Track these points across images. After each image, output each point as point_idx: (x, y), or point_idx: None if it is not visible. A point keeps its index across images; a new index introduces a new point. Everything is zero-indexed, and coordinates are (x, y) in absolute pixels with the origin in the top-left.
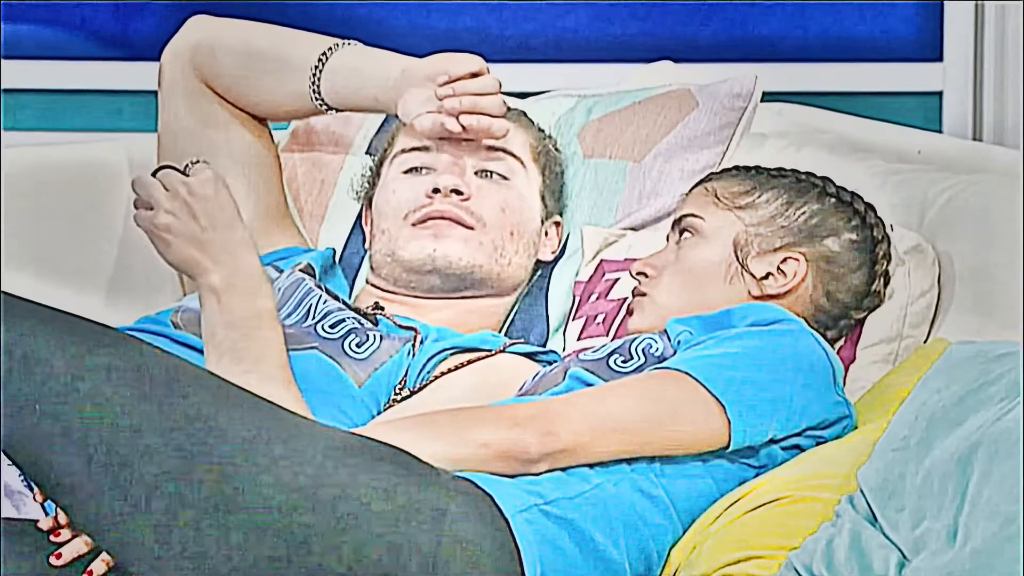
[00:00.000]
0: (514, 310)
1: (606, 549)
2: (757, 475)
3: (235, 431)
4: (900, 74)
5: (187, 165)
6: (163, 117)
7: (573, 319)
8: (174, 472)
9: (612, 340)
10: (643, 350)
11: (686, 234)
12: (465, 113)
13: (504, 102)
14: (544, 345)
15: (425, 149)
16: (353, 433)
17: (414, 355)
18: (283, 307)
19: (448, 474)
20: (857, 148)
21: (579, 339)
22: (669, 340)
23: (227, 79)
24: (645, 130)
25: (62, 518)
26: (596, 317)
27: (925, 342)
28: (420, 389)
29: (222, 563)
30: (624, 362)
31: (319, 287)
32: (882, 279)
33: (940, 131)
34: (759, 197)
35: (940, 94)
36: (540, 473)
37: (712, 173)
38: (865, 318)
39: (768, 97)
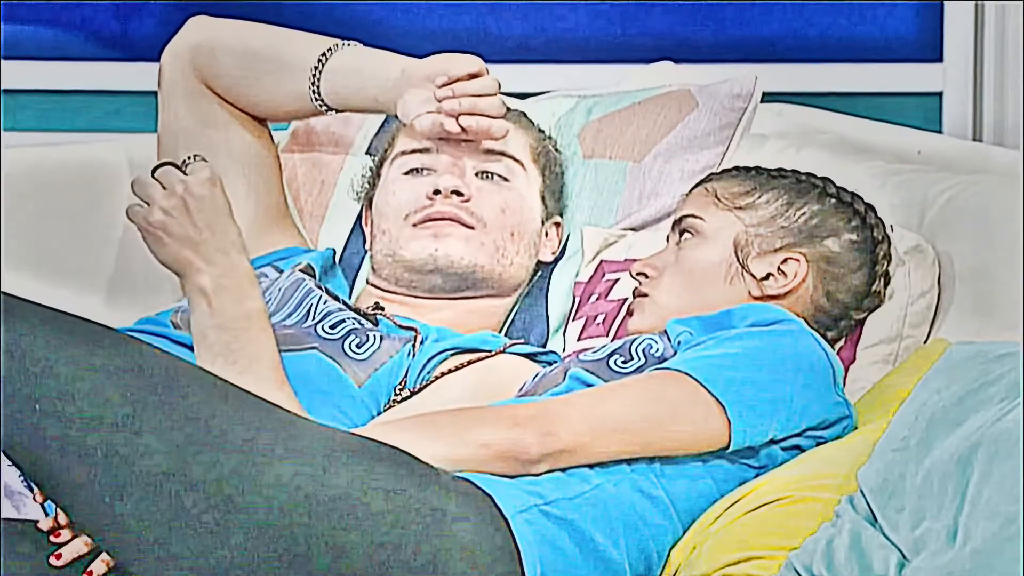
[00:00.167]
0: (514, 310)
1: (606, 549)
2: (757, 475)
3: (235, 431)
4: (900, 74)
5: (184, 162)
6: (163, 117)
7: (573, 319)
8: (174, 472)
9: (612, 340)
10: (643, 351)
11: (686, 235)
12: (464, 114)
13: (503, 103)
14: (544, 345)
15: (425, 151)
16: (353, 433)
17: (414, 355)
18: (283, 307)
19: (448, 475)
20: (857, 148)
21: (579, 339)
22: (669, 341)
23: (227, 79)
24: (645, 130)
25: (62, 518)
26: (596, 317)
27: (925, 342)
28: (420, 389)
29: (222, 563)
30: (624, 363)
31: (319, 287)
32: (882, 279)
33: (940, 131)
34: (759, 198)
35: (940, 94)
36: (540, 473)
37: (712, 173)
38: (865, 318)
39: (768, 98)
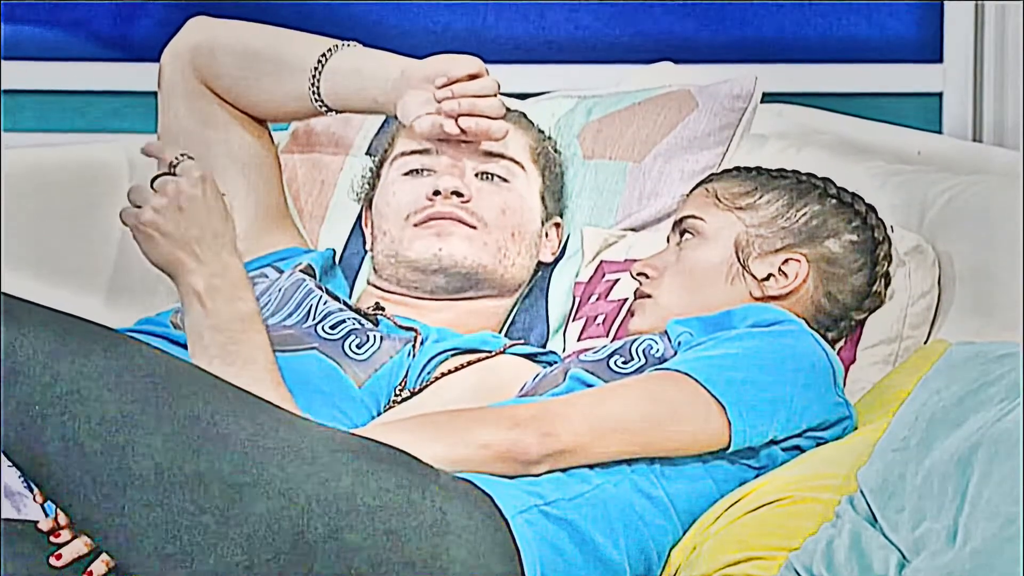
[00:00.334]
0: (514, 311)
1: (606, 550)
2: (757, 476)
3: (235, 432)
4: (900, 75)
5: (171, 164)
6: (163, 118)
7: (573, 320)
8: (174, 473)
9: (612, 341)
10: (643, 351)
11: (687, 235)
12: (464, 115)
13: (503, 104)
14: (544, 346)
15: (425, 151)
16: (353, 434)
17: (414, 356)
18: (283, 308)
19: (448, 475)
20: (857, 149)
21: (579, 340)
22: (669, 341)
23: (227, 80)
24: (645, 131)
25: (62, 519)
26: (596, 318)
27: (925, 343)
28: (420, 390)
29: (222, 564)
30: (624, 363)
31: (319, 288)
32: (883, 280)
33: (940, 132)
34: (760, 198)
35: (940, 95)
36: (540, 474)
37: (713, 174)
38: (865, 319)
39: (768, 98)
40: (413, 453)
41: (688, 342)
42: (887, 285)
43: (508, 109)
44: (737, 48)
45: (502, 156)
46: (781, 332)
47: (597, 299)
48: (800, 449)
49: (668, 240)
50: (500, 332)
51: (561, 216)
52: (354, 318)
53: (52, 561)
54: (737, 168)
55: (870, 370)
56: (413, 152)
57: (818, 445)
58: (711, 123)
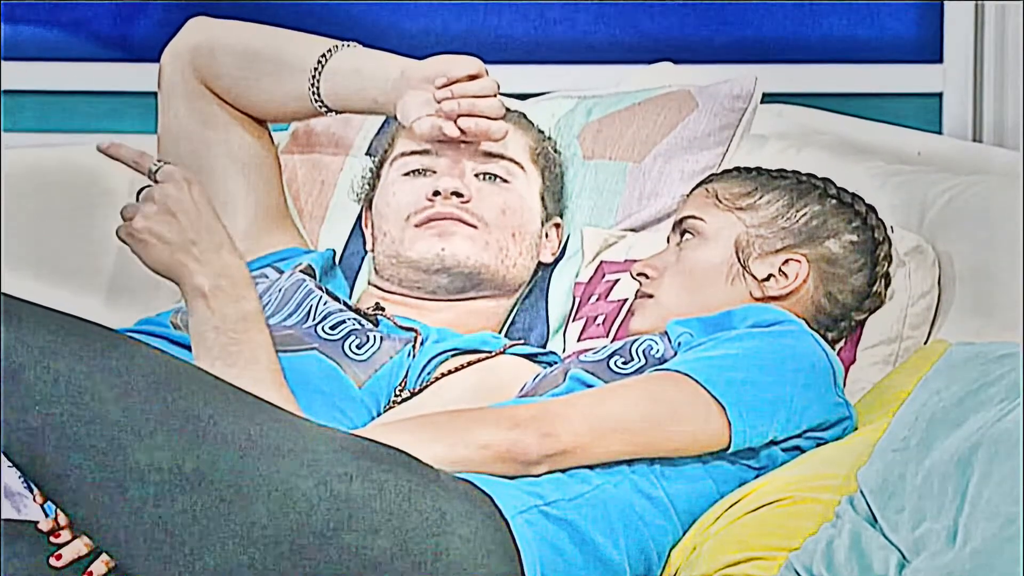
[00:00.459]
0: (514, 311)
1: (606, 550)
2: (757, 476)
3: (236, 433)
4: (900, 75)
5: (150, 172)
6: (163, 118)
7: (573, 320)
8: (174, 473)
9: (612, 341)
10: (643, 352)
11: (687, 235)
12: (463, 115)
13: (503, 104)
14: (544, 346)
15: (425, 152)
16: (353, 434)
17: (414, 356)
18: (283, 308)
19: (448, 475)
20: (857, 149)
21: (579, 340)
22: (670, 342)
23: (227, 80)
24: (645, 131)
25: (62, 519)
26: (596, 318)
27: (925, 343)
28: (420, 390)
29: (222, 564)
30: (624, 363)
31: (319, 288)
32: (883, 280)
33: (940, 132)
34: (760, 198)
35: (940, 95)
36: (540, 474)
37: (713, 174)
38: (865, 319)
39: (768, 98)
40: (413, 453)
41: (688, 343)
42: (887, 285)
43: (508, 109)
44: (737, 48)
45: (502, 156)
46: (781, 332)
47: (597, 299)
48: (800, 449)
49: (668, 240)
50: (500, 332)
51: (561, 216)
52: (354, 318)
53: (52, 561)
54: (737, 168)
55: (870, 370)
56: (413, 152)
57: (818, 445)
58: (711, 123)
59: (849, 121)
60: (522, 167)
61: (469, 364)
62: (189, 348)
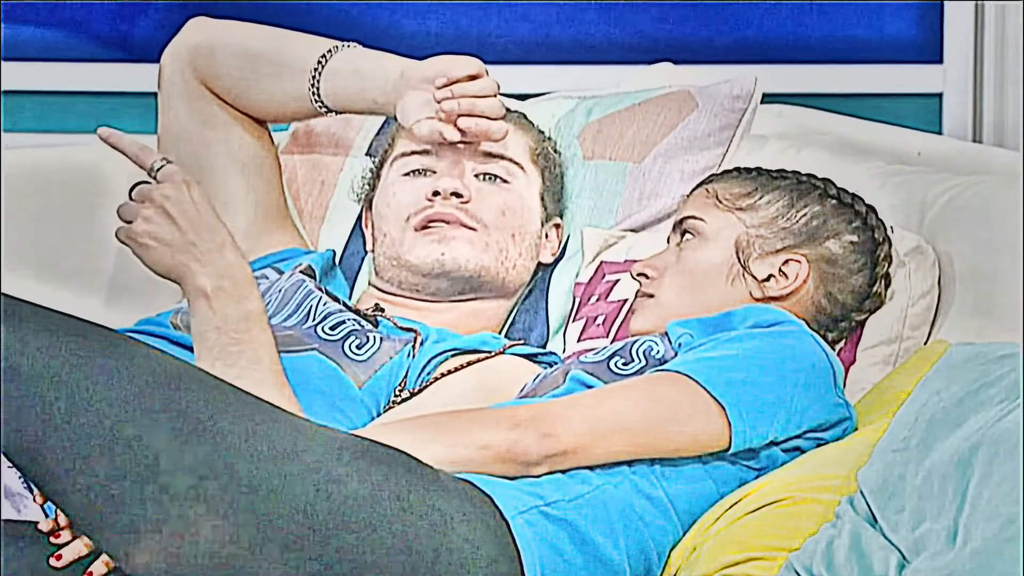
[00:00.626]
0: (514, 311)
1: (606, 550)
2: (757, 477)
3: (235, 433)
4: (900, 76)
5: (152, 170)
6: (163, 119)
7: (573, 320)
8: (174, 474)
9: (612, 342)
10: (644, 352)
11: (687, 236)
12: (463, 116)
13: (503, 104)
14: (544, 346)
15: (425, 152)
16: (353, 435)
17: (414, 356)
18: (283, 309)
19: (448, 476)
20: (857, 150)
21: (579, 340)
22: (670, 343)
23: (226, 81)
24: (645, 131)
25: (62, 520)
26: (596, 319)
27: (925, 343)
28: (420, 391)
29: (223, 564)
30: (625, 364)
31: (319, 289)
32: (883, 281)
33: (940, 133)
34: (760, 199)
35: (940, 96)
36: (540, 475)
37: (713, 175)
38: (866, 320)
39: (768, 99)
40: (413, 454)
41: (688, 343)
42: (887, 286)
43: (508, 110)
44: (737, 48)
45: (502, 157)
46: (781, 333)
47: (597, 300)
48: (800, 450)
49: (668, 241)
50: (500, 333)
51: (561, 217)
52: (354, 319)
53: (52, 562)
54: (737, 169)
55: (870, 371)
56: (413, 153)
57: (818, 446)
58: (711, 124)
59: (849, 121)
60: (522, 167)
61: (469, 364)
62: (189, 348)
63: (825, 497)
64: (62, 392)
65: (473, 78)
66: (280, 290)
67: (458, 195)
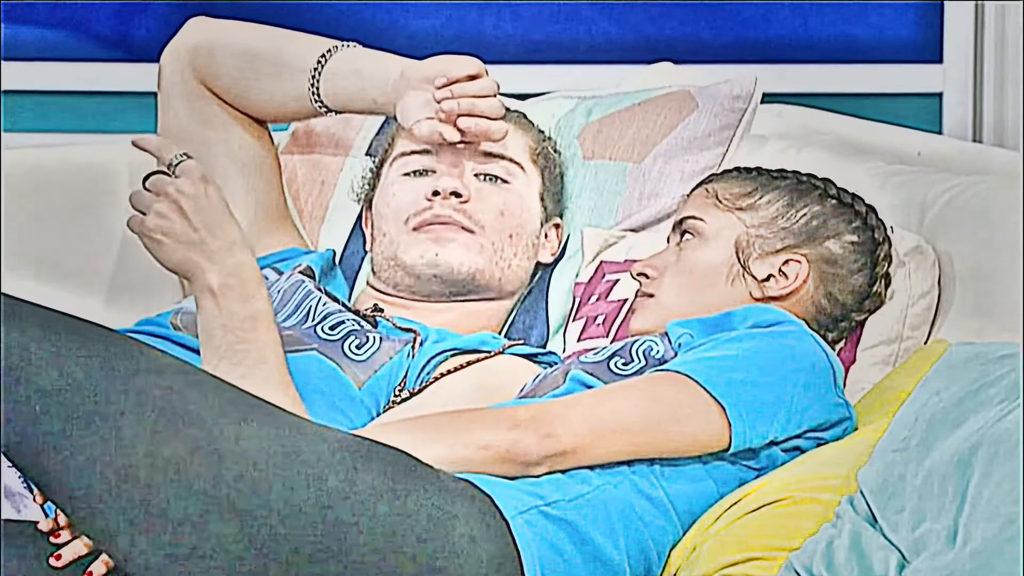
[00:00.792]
0: (514, 311)
1: (606, 550)
2: (757, 476)
3: (236, 433)
4: (900, 76)
5: (170, 164)
6: (163, 118)
7: (573, 320)
8: (174, 475)
9: (612, 342)
10: (644, 352)
11: (687, 236)
12: (463, 116)
13: (503, 104)
14: (544, 346)
15: (425, 152)
16: (353, 435)
17: (414, 356)
18: (283, 309)
19: (448, 476)
20: (857, 149)
21: (579, 340)
22: (670, 343)
23: (226, 80)
24: (645, 131)
25: (62, 519)
26: (596, 318)
27: (925, 343)
28: (420, 391)
29: (223, 566)
30: (624, 364)
31: (319, 289)
32: (883, 281)
33: (940, 132)
34: (760, 199)
35: (940, 95)
36: (540, 475)
37: (713, 175)
38: (866, 320)
39: (768, 98)
40: (413, 454)
41: (688, 343)
42: (887, 286)
43: (508, 109)
44: (737, 48)
45: (502, 157)
46: (781, 333)
47: (597, 299)
48: (800, 450)
49: (668, 240)
50: (500, 333)
51: (561, 217)
52: (353, 319)
53: (52, 562)
54: (737, 168)
55: (870, 371)
56: (413, 153)
57: (818, 446)
58: (711, 124)
59: (849, 121)
60: (522, 167)
61: (468, 364)
62: (189, 348)
63: (825, 497)
64: (62, 392)
65: (473, 78)
66: (280, 290)
67: (458, 195)
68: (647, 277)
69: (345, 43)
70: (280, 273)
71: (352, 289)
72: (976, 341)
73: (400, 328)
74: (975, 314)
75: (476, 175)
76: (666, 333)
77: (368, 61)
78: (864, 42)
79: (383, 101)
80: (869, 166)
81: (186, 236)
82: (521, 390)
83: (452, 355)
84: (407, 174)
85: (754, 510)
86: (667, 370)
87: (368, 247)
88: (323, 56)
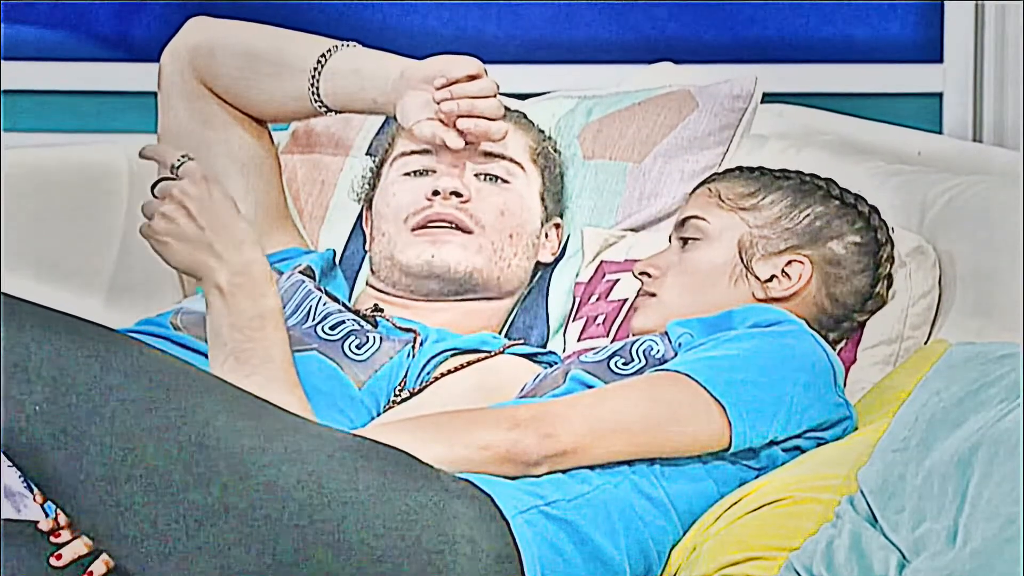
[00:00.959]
0: (514, 311)
1: (606, 550)
2: (757, 476)
3: (236, 433)
4: (900, 75)
5: (173, 167)
6: (163, 118)
7: (573, 320)
8: (174, 475)
9: (613, 341)
10: (644, 352)
11: (690, 235)
12: (463, 116)
13: (502, 104)
14: (544, 346)
15: (425, 152)
16: (353, 434)
17: (414, 356)
18: (283, 309)
19: (448, 475)
20: (858, 149)
21: (579, 340)
22: (670, 342)
23: (226, 80)
24: (645, 131)
25: (62, 519)
26: (596, 318)
27: (925, 343)
28: (420, 390)
29: (223, 565)
30: (625, 364)
31: (319, 289)
32: (885, 281)
33: (940, 132)
34: (763, 199)
35: (940, 95)
36: (541, 475)
37: (715, 174)
38: (867, 320)
39: (768, 98)
40: (413, 453)
41: (688, 343)
42: (889, 286)
43: (508, 109)
44: (737, 48)
45: (502, 157)
46: (781, 333)
47: (597, 299)
48: (800, 449)
49: (670, 240)
50: (500, 332)
51: (561, 217)
52: (353, 319)
53: (52, 561)
54: (740, 168)
55: (870, 370)
56: (413, 152)
57: (818, 445)
58: (711, 123)
59: (849, 121)
60: (522, 167)
61: (468, 364)
62: (190, 349)
63: (825, 497)
64: (62, 392)
65: (473, 78)
66: (280, 290)
67: (458, 194)
68: (649, 276)
69: (345, 43)
70: (280, 273)
71: (352, 289)
72: (976, 341)
73: (400, 328)
74: (975, 314)
75: (476, 175)
76: (666, 333)
77: (368, 61)
78: (864, 42)
79: (383, 101)
80: (869, 166)
81: (193, 236)
82: (521, 390)
83: (452, 355)
84: (407, 174)
85: (754, 510)
86: (667, 370)
87: (368, 247)
88: (323, 56)
